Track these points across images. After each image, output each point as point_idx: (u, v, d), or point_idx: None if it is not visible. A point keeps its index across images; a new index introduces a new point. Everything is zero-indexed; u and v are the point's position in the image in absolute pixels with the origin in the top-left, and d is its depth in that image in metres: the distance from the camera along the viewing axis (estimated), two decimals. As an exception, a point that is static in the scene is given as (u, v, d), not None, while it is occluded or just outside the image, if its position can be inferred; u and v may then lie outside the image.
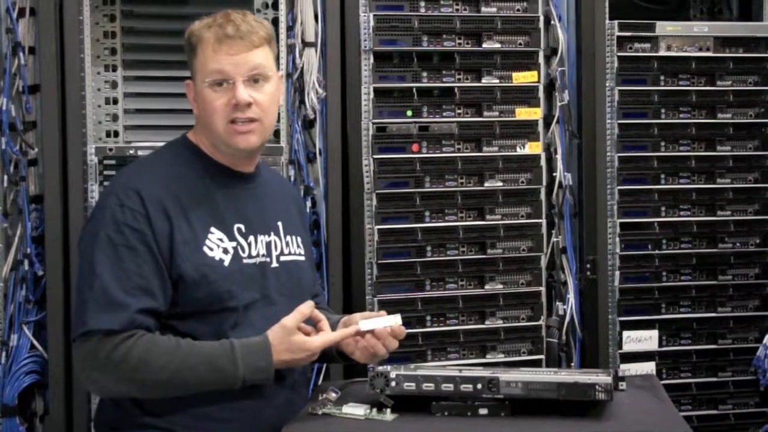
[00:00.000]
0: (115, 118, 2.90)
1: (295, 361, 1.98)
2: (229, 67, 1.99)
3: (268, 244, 2.10)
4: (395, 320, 2.09)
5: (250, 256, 2.04)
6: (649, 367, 3.09)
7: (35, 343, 2.73)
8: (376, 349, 2.09)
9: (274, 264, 2.10)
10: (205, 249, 1.98)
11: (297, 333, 1.96)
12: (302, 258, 2.19)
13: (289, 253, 2.15)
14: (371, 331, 2.07)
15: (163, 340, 1.91)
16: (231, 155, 2.07)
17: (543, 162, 3.03)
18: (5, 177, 2.71)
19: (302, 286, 2.18)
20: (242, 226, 2.05)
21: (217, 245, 1.99)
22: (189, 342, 1.93)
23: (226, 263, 1.99)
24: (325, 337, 2.03)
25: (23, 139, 2.72)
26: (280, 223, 2.15)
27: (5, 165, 2.70)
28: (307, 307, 1.99)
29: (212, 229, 2.00)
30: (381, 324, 2.08)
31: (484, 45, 2.96)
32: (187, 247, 1.95)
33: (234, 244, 2.02)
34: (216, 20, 2.03)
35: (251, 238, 2.06)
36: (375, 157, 2.90)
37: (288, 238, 2.15)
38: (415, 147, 2.93)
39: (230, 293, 1.98)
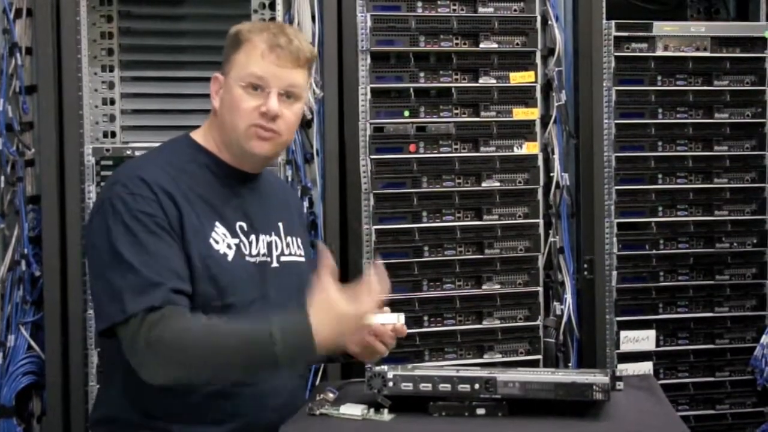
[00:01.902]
0: (112, 118, 2.90)
1: (343, 331, 1.84)
2: (270, 76, 1.99)
3: (269, 244, 2.09)
4: (398, 318, 2.09)
5: (251, 255, 2.04)
6: (646, 367, 3.09)
7: (32, 343, 2.72)
8: (376, 346, 2.10)
9: (275, 264, 2.09)
10: (211, 241, 1.97)
11: (333, 294, 1.82)
12: (302, 259, 2.19)
13: (290, 254, 2.15)
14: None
15: (197, 317, 1.86)
16: (239, 157, 2.06)
17: (540, 162, 3.03)
18: (2, 177, 2.70)
19: (302, 286, 2.18)
20: (244, 225, 2.05)
21: (222, 239, 1.99)
22: (223, 320, 1.87)
23: (230, 258, 1.99)
24: (365, 302, 1.84)
25: (20, 139, 2.72)
26: (280, 224, 2.15)
27: (2, 165, 2.70)
28: (329, 261, 1.86)
29: (217, 223, 2.00)
30: (382, 320, 2.08)
31: (482, 45, 2.97)
32: (196, 236, 1.94)
33: (236, 241, 2.02)
34: (269, 28, 2.05)
35: (253, 237, 2.06)
36: (372, 157, 2.90)
37: (288, 239, 2.15)
38: (412, 147, 2.93)
39: (233, 289, 1.97)
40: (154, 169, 1.98)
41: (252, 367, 1.89)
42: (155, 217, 1.91)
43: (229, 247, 2.00)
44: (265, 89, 2.00)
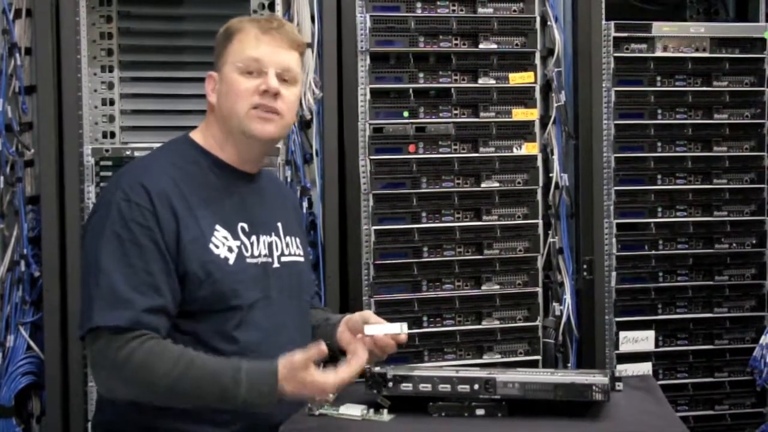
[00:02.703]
0: (111, 119, 2.90)
1: (303, 395, 1.91)
2: (267, 57, 2.02)
3: (270, 244, 2.10)
4: (401, 329, 2.09)
5: (252, 256, 2.04)
6: (645, 368, 3.09)
7: (32, 344, 2.72)
8: (374, 352, 2.10)
9: (276, 264, 2.09)
10: (211, 246, 1.97)
11: (309, 368, 1.86)
12: (302, 259, 2.20)
13: (290, 254, 2.15)
14: (371, 336, 2.08)
15: (170, 346, 1.88)
16: (241, 148, 2.06)
17: (539, 162, 3.03)
18: (2, 178, 2.70)
19: (301, 286, 2.19)
20: (246, 226, 2.05)
21: (222, 243, 1.99)
22: (198, 353, 1.89)
23: (231, 262, 1.99)
24: (341, 374, 1.91)
25: (20, 140, 2.72)
26: (280, 224, 2.15)
27: (2, 166, 2.70)
28: (323, 347, 1.88)
29: (217, 227, 1.99)
30: (385, 331, 2.08)
31: (481, 46, 2.97)
32: (194, 245, 1.94)
33: (238, 243, 2.02)
34: (258, 19, 2.09)
35: (254, 238, 2.06)
36: (372, 157, 2.90)
37: (288, 239, 2.16)
38: (411, 148, 2.93)
39: (235, 292, 1.98)
40: (157, 173, 1.98)
41: (211, 399, 1.88)
42: (147, 228, 1.91)
43: (229, 250, 2.00)
44: (263, 70, 2.01)
